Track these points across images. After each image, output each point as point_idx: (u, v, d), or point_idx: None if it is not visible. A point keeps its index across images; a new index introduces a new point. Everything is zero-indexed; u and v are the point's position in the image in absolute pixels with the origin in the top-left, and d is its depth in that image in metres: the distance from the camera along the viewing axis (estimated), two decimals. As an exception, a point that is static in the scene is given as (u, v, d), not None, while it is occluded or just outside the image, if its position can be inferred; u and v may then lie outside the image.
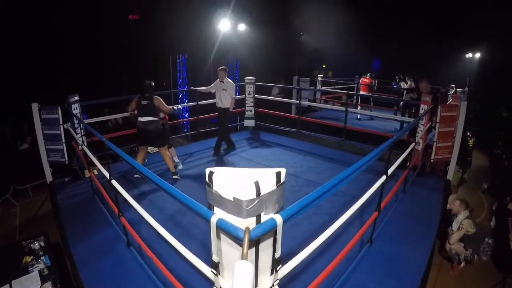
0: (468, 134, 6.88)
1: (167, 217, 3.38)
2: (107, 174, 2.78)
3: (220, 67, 5.22)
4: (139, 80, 4.17)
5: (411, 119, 7.28)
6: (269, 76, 9.35)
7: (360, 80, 9.20)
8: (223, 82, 5.12)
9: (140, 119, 4.11)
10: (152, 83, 4.14)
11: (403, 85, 9.10)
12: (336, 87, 10.33)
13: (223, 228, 1.26)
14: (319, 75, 10.41)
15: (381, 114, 7.81)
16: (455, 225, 3.56)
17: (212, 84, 5.29)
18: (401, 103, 8.34)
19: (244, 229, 1.17)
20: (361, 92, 8.98)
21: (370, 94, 8.89)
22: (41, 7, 6.85)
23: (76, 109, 4.38)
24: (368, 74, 9.10)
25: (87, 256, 2.80)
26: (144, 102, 4.08)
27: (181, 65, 9.96)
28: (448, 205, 3.97)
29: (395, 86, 9.61)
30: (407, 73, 9.25)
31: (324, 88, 10.12)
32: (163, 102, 4.18)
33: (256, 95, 6.57)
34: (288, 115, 7.06)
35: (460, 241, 3.51)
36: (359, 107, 8.89)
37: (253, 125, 6.70)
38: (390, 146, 2.67)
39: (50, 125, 4.20)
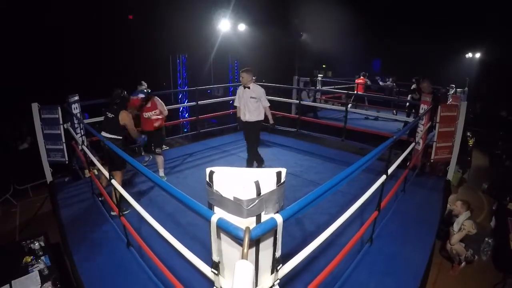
0: (468, 134, 6.88)
1: (167, 216, 3.38)
2: (107, 174, 2.78)
3: (243, 69, 4.02)
4: (112, 86, 3.47)
5: (407, 118, 7.42)
6: (269, 76, 9.34)
7: (355, 81, 9.67)
8: (248, 88, 3.99)
9: (102, 133, 3.37)
10: (124, 94, 3.42)
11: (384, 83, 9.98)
12: (335, 87, 10.36)
13: (223, 228, 1.26)
14: (319, 75, 10.44)
15: (374, 113, 8.28)
16: (456, 226, 3.56)
17: (236, 96, 4.29)
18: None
19: (244, 228, 1.17)
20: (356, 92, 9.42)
21: (366, 94, 9.31)
22: (40, 7, 6.85)
23: (76, 109, 4.38)
24: (362, 73, 9.51)
25: (87, 256, 2.81)
26: (109, 115, 3.41)
27: (181, 65, 9.97)
28: (448, 206, 3.98)
29: (379, 81, 10.66)
30: (407, 73, 9.38)
31: (324, 88, 10.15)
32: (131, 122, 3.44)
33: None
34: (288, 115, 7.06)
35: (461, 241, 3.51)
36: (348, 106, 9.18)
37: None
38: (390, 146, 2.68)
39: (50, 125, 4.21)
